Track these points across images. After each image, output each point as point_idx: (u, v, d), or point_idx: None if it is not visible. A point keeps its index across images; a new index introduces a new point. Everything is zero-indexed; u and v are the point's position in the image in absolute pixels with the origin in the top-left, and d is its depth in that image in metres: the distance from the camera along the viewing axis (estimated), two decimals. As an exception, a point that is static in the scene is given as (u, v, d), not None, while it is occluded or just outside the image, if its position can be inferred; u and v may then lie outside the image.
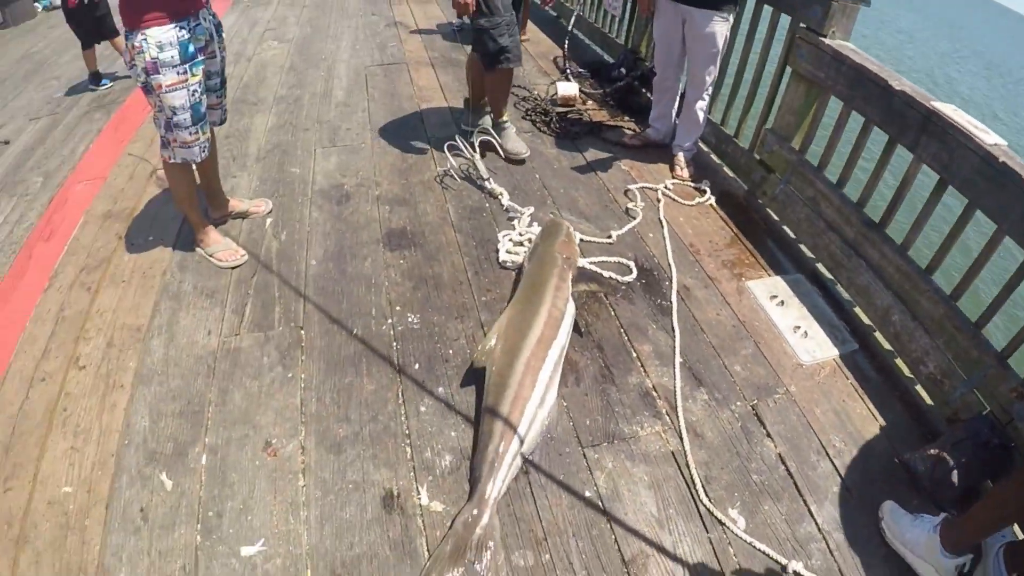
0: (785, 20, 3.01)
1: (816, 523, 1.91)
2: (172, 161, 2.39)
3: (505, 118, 3.35)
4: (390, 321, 2.41)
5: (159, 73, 2.13)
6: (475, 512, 1.77)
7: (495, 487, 1.82)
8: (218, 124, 2.63)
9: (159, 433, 1.98)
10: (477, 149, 3.30)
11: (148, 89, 2.20)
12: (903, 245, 2.42)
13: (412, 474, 1.92)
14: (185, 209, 2.58)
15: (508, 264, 2.70)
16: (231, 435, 1.98)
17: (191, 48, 2.16)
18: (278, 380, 2.16)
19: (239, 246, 2.66)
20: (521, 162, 3.28)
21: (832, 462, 2.07)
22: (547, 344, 2.13)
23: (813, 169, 2.83)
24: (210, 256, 2.60)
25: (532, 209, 2.99)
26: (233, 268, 2.59)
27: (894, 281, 2.41)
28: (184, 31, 2.13)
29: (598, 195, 3.23)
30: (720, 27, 3.02)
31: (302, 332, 2.35)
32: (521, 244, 2.79)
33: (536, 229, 2.85)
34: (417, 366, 2.24)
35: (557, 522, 1.83)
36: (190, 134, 2.32)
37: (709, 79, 3.18)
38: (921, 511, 1.87)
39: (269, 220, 2.88)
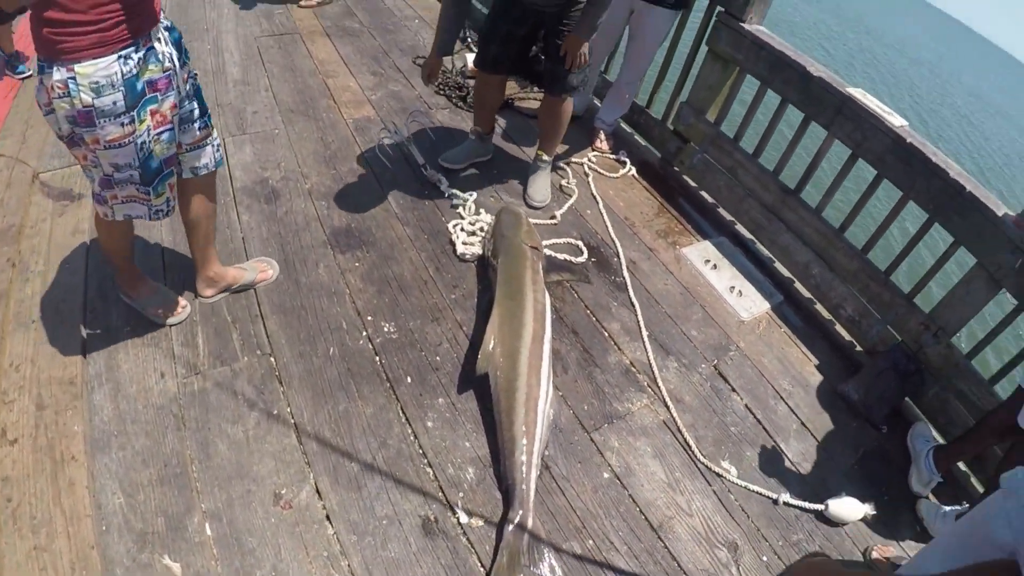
0: (703, 1, 2.98)
1: (788, 458, 2.10)
2: (110, 219, 1.73)
3: (547, 157, 2.86)
4: (366, 334, 2.14)
5: (95, 125, 1.45)
6: (519, 518, 1.71)
7: (530, 490, 1.76)
8: (213, 168, 1.90)
9: (141, 509, 1.60)
10: (408, 130, 2.98)
11: (75, 141, 1.52)
12: (818, 208, 2.63)
13: (441, 494, 1.77)
14: (116, 260, 1.92)
15: (467, 256, 2.50)
16: (231, 494, 1.66)
17: (139, 86, 1.47)
18: (264, 420, 1.84)
19: (177, 296, 2.05)
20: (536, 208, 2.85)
21: (786, 403, 2.27)
22: (540, 340, 2.06)
23: (730, 140, 2.92)
24: (141, 311, 2.00)
25: (475, 195, 2.78)
26: (175, 325, 2.05)
27: (812, 240, 2.62)
28: (130, 62, 1.44)
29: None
30: (671, 23, 2.95)
31: (272, 360, 2.00)
32: (474, 233, 2.60)
33: (484, 216, 2.67)
34: (409, 379, 2.04)
35: (588, 508, 1.83)
36: (137, 190, 1.65)
37: (646, 65, 3.12)
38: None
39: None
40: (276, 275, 2.26)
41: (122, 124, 1.47)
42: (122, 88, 1.43)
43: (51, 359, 1.88)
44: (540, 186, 2.88)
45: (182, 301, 2.07)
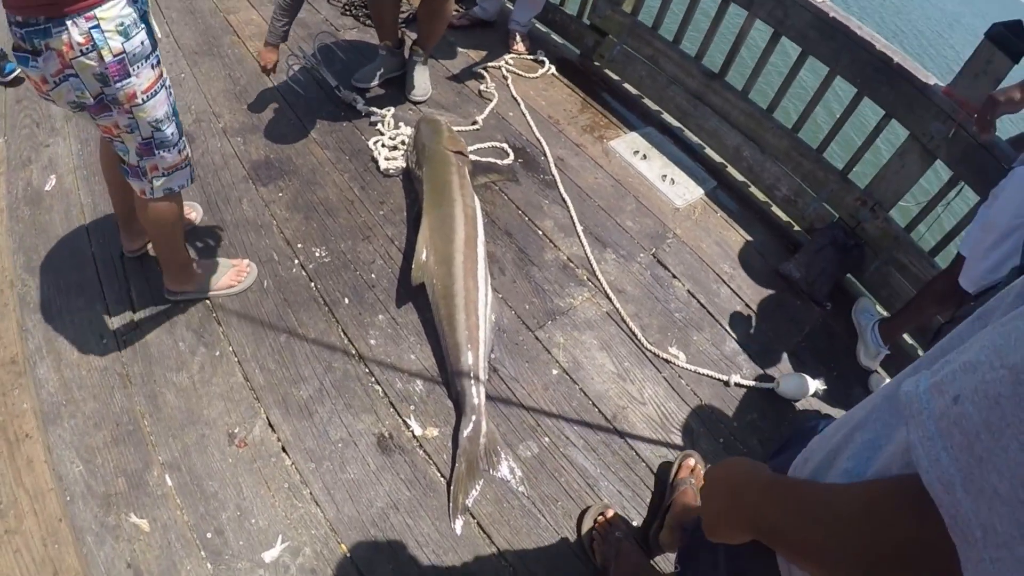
0: None
1: (735, 339, 2.17)
2: (153, 197, 1.62)
3: (423, 52, 2.79)
4: (298, 261, 2.11)
5: (130, 75, 1.32)
6: (472, 424, 1.75)
7: (480, 394, 1.80)
8: None
9: (101, 472, 1.59)
10: (318, 54, 2.84)
11: (109, 104, 1.37)
12: (744, 90, 2.61)
13: (393, 410, 1.81)
14: (172, 253, 1.81)
15: (391, 171, 2.46)
16: (185, 442, 1.67)
17: (151, 23, 1.39)
18: (208, 363, 1.83)
19: (238, 259, 2.03)
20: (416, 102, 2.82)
21: (728, 286, 2.33)
22: (473, 243, 2.06)
23: (648, 30, 2.85)
24: (215, 292, 1.96)
25: (392, 110, 2.70)
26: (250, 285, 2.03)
27: (740, 122, 2.62)
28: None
29: (447, 82, 2.99)
30: None
31: (207, 302, 1.97)
32: (396, 148, 2.54)
33: (404, 129, 2.60)
34: (347, 300, 2.03)
35: (541, 406, 1.87)
36: (178, 151, 1.57)
37: None
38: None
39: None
40: (200, 218, 2.20)
41: (152, 66, 1.38)
42: (143, 25, 1.33)
43: (-13, 342, 1.81)
44: (420, 81, 2.81)
45: (244, 260, 2.05)
